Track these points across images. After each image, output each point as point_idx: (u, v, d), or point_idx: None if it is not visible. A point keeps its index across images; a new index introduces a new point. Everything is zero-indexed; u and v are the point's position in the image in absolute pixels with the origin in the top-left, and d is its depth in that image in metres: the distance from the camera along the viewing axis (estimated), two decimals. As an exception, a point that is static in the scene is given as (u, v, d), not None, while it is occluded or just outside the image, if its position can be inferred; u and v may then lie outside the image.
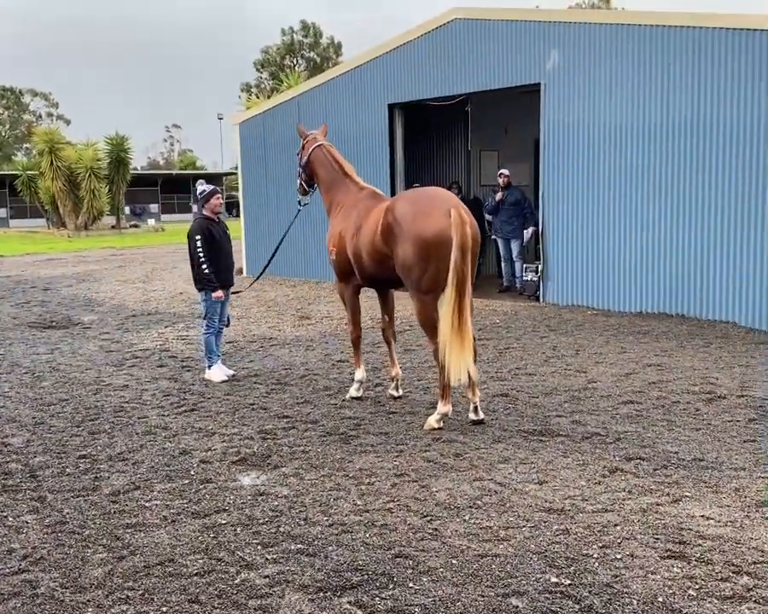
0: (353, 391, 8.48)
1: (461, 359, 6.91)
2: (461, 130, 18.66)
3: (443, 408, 7.32)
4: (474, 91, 14.95)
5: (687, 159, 12.13)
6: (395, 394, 8.47)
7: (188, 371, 10.04)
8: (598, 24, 12.87)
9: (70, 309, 15.69)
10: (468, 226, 7.01)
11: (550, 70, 13.57)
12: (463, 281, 6.94)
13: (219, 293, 9.36)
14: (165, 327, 13.41)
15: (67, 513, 5.64)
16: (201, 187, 9.57)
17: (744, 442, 6.77)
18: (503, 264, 16.06)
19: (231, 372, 9.67)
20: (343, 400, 8.45)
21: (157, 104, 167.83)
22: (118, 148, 45.87)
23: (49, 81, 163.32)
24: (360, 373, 8.46)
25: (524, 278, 15.05)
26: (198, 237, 9.22)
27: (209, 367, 9.56)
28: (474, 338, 7.22)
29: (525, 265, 15.16)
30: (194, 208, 10.23)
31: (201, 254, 9.18)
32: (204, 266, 9.19)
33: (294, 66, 70.61)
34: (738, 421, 7.35)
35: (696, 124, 11.94)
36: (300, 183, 8.99)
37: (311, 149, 8.58)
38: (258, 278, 10.38)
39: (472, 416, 7.45)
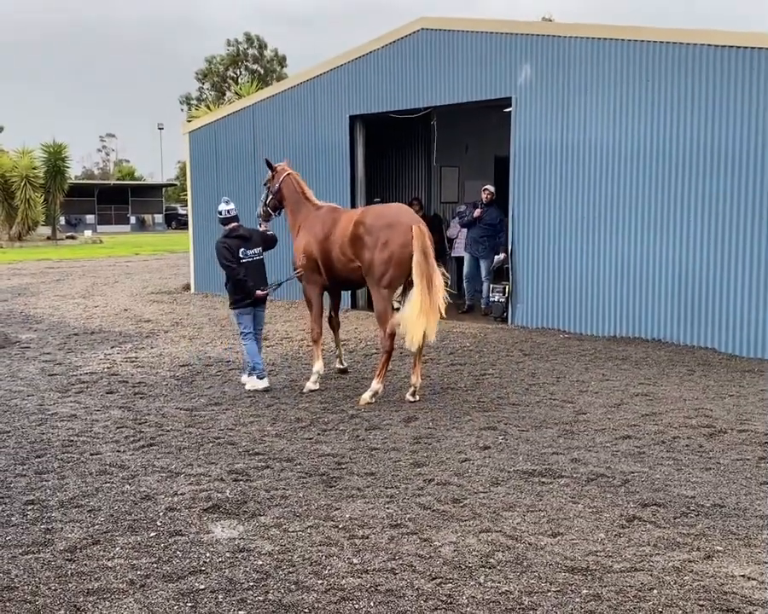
0: (311, 384, 9.32)
1: (422, 324, 8.35)
2: (422, 145, 18.09)
3: (376, 385, 8.76)
4: (440, 104, 14.38)
5: (664, 180, 11.73)
6: (340, 366, 10.15)
7: (141, 398, 9.18)
8: (573, 37, 12.42)
9: (6, 326, 14.61)
10: (426, 237, 8.62)
11: (522, 84, 13.09)
12: (430, 276, 8.44)
13: None
14: (112, 347, 12.48)
15: (16, 576, 4.81)
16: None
17: (761, 484, 6.27)
18: (464, 283, 15.50)
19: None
20: (302, 393, 9.15)
21: (91, 114, 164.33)
22: (55, 156, 44.34)
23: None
24: (319, 365, 9.37)
25: (490, 299, 14.49)
26: None
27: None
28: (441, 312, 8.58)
29: (491, 285, 14.60)
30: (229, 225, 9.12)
31: None
32: None
33: (238, 77, 69.34)
34: (748, 460, 6.86)
35: (675, 144, 11.55)
36: (265, 209, 10.06)
37: (281, 178, 9.82)
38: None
39: (409, 398, 8.73)
